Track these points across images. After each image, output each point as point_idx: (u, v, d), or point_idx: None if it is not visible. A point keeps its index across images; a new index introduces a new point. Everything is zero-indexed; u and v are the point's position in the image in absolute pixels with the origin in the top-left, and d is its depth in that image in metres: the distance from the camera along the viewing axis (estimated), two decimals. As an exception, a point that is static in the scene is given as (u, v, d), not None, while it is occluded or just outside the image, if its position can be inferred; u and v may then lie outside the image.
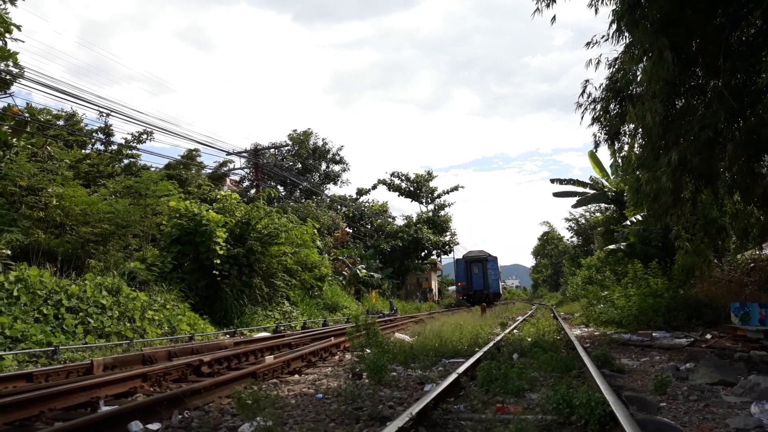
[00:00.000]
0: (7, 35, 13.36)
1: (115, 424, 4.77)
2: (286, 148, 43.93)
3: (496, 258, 42.44)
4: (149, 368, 7.55)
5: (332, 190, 48.59)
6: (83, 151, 22.60)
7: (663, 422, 4.50)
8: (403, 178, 54.12)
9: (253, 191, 34.26)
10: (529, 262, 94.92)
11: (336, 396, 6.16)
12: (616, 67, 9.58)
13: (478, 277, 40.37)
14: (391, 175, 54.00)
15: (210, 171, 30.09)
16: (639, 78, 8.85)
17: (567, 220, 53.68)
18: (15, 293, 10.61)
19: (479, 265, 40.79)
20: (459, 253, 50.65)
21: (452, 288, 64.05)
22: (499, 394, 5.80)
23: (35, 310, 10.73)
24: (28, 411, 5.34)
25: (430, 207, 54.73)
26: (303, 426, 4.84)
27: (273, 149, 40.80)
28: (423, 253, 51.26)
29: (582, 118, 10.17)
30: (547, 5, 8.82)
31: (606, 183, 26.46)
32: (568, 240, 64.20)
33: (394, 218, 52.24)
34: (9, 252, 12.34)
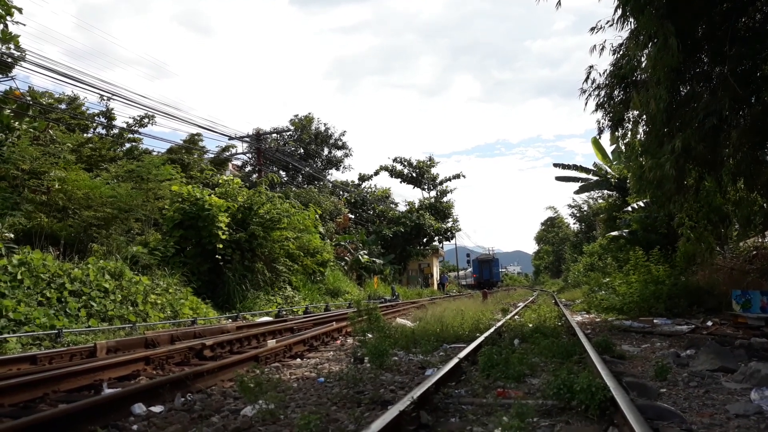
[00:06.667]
0: (8, 18, 13.28)
1: (119, 406, 4.80)
2: (288, 133, 43.81)
3: (498, 259, 67.59)
4: (152, 351, 7.59)
5: (334, 175, 48.55)
6: (85, 135, 22.54)
7: (663, 408, 4.52)
8: (405, 163, 53.87)
9: (255, 176, 34.22)
10: (531, 248, 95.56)
11: (338, 380, 6.18)
12: (621, 53, 9.47)
13: (487, 271, 62.89)
14: (393, 160, 53.77)
15: (212, 156, 30.03)
16: (644, 64, 8.75)
17: (570, 206, 53.62)
18: (18, 276, 10.66)
19: (487, 263, 64.04)
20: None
21: (453, 274, 68.02)
22: (500, 379, 5.82)
23: (38, 293, 10.78)
24: (32, 393, 5.38)
25: (432, 193, 54.67)
26: (305, 409, 4.86)
27: (275, 134, 40.73)
28: (425, 239, 51.29)
29: (586, 104, 10.07)
30: (553, -10, 8.72)
31: (609, 170, 26.38)
32: (572, 225, 64.37)
33: (396, 204, 52.24)
34: (12, 235, 12.37)
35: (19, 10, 13.41)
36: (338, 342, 10.49)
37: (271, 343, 8.91)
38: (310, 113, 46.27)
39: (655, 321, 12.03)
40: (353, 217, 45.54)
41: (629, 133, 10.54)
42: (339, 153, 47.23)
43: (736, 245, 15.67)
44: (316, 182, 42.90)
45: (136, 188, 17.42)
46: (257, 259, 19.39)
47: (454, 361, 6.30)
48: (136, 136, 24.61)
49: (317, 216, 24.73)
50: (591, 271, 28.48)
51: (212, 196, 18.33)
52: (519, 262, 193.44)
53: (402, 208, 51.47)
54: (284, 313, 17.10)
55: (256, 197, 20.15)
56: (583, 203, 49.92)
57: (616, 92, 9.92)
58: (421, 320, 12.48)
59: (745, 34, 8.24)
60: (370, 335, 9.65)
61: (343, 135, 47.03)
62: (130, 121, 24.69)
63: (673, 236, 17.71)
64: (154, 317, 12.93)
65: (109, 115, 23.88)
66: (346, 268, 32.71)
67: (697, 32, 8.55)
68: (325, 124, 46.39)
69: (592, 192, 37.17)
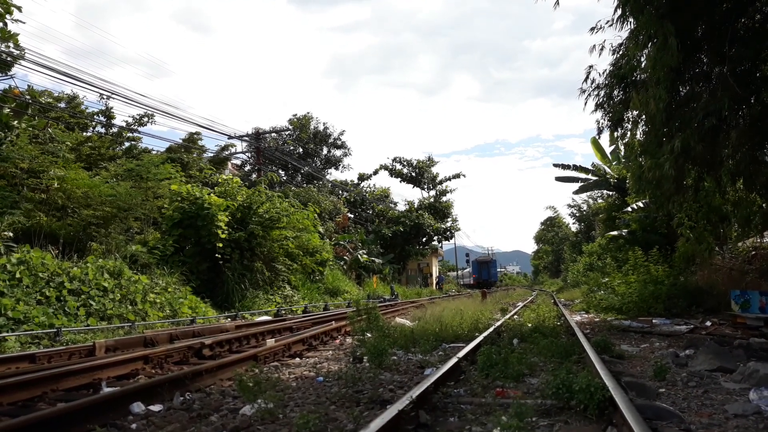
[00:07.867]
0: (7, 16, 13.27)
1: (118, 405, 4.80)
2: (287, 132, 43.80)
3: (496, 260, 73.06)
4: (151, 350, 7.58)
5: (334, 174, 48.51)
6: (84, 133, 22.52)
7: (662, 408, 4.52)
8: (404, 163, 53.80)
9: (254, 175, 34.22)
10: (531, 248, 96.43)
11: (337, 379, 6.18)
12: (621, 53, 9.49)
13: (485, 271, 65.64)
14: (393, 161, 53.72)
15: (211, 155, 30.03)
16: (643, 64, 8.76)
17: (569, 206, 53.70)
18: (17, 275, 10.65)
19: (486, 264, 67.49)
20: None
21: (452, 274, 69.64)
22: (499, 379, 5.83)
23: (37, 292, 10.77)
24: (30, 392, 5.38)
25: (432, 193, 54.62)
26: (304, 408, 4.86)
27: (274, 133, 40.72)
28: (424, 239, 51.26)
29: (585, 104, 10.08)
30: (552, -11, 8.74)
31: (608, 170, 26.40)
32: (571, 225, 64.59)
33: (395, 204, 52.22)
34: (11, 234, 12.36)
35: (19, 9, 13.41)
36: (337, 341, 10.49)
37: (270, 342, 8.91)
38: (308, 112, 46.30)
39: (654, 321, 12.04)
40: (352, 216, 45.52)
41: (628, 133, 10.55)
42: (338, 152, 47.24)
43: (735, 245, 15.68)
44: (315, 181, 42.88)
45: (135, 187, 17.40)
46: (256, 258, 19.38)
47: (453, 360, 6.30)
48: (135, 135, 24.62)
49: (316, 215, 24.72)
50: (590, 271, 28.50)
51: (211, 195, 18.32)
52: (518, 262, 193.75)
53: (401, 207, 51.47)
54: (283, 312, 17.10)
55: (256, 196, 20.14)
56: (583, 203, 50.05)
57: (615, 92, 9.93)
58: (420, 320, 12.48)
59: (745, 35, 8.24)
60: (369, 335, 9.65)
61: (342, 134, 47.05)
62: (130, 119, 24.73)
63: (672, 236, 17.71)
64: (153, 316, 12.92)
65: (108, 113, 23.87)
66: (345, 267, 32.70)
67: (697, 32, 8.56)
68: (323, 124, 46.42)
69: (591, 192, 37.25)
